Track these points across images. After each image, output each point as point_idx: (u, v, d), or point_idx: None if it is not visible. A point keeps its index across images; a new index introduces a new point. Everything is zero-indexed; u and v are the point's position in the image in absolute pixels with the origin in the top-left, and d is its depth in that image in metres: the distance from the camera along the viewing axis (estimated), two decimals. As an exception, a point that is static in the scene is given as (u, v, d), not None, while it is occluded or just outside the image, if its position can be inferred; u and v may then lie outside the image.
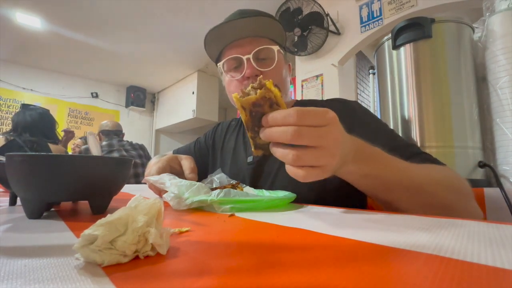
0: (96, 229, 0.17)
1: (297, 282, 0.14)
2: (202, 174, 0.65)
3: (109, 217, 0.18)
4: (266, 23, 0.60)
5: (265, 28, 0.60)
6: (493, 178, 0.89)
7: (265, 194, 0.45)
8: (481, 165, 0.97)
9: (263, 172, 0.62)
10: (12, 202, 0.46)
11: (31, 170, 0.31)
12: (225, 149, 0.75)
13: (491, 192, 0.71)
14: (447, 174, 0.45)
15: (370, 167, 0.38)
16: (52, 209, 0.41)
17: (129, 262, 0.18)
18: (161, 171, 0.53)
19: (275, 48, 0.60)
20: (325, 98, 2.28)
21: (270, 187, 0.59)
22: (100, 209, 0.36)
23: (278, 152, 0.31)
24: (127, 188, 0.83)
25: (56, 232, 0.26)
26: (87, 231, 0.17)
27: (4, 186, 0.47)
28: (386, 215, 0.34)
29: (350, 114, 0.57)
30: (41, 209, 0.33)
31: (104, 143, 1.91)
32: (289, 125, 0.29)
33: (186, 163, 0.55)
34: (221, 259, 0.18)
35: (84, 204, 0.45)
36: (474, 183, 0.94)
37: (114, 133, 2.00)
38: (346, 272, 0.15)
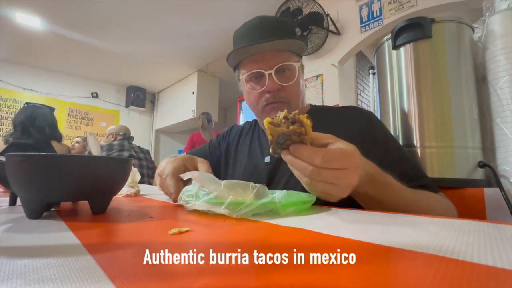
0: None
1: (297, 282, 0.14)
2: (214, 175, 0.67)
3: None
4: (294, 41, 0.61)
5: (286, 43, 0.61)
6: (493, 178, 0.89)
7: (281, 196, 0.37)
8: (481, 165, 0.97)
9: (279, 172, 0.64)
10: (12, 202, 0.46)
11: (31, 170, 0.31)
12: (239, 151, 0.76)
13: (491, 192, 0.71)
14: (439, 204, 0.51)
15: (379, 193, 0.43)
16: (52, 209, 0.41)
17: (131, 262, 0.18)
18: (176, 171, 0.53)
19: (296, 65, 0.62)
20: (325, 99, 2.28)
21: (284, 186, 0.60)
22: (100, 209, 0.36)
23: (297, 165, 0.34)
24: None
25: (56, 232, 0.26)
26: None
27: (4, 186, 0.47)
28: (386, 215, 0.34)
29: (366, 124, 0.60)
30: (41, 209, 0.33)
31: (115, 142, 2.08)
32: (311, 165, 0.33)
33: (203, 167, 0.56)
34: (221, 259, 0.18)
35: (84, 204, 0.45)
36: (474, 183, 0.94)
37: (128, 137, 2.21)
38: (346, 272, 0.15)
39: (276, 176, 0.64)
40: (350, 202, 0.52)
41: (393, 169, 0.48)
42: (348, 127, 0.59)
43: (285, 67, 0.61)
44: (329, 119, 0.65)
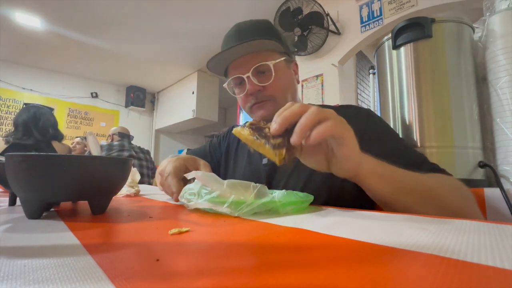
0: None
1: (297, 282, 0.14)
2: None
3: None
4: (262, 41, 0.62)
5: (262, 44, 0.62)
6: (493, 178, 0.89)
7: (280, 195, 0.37)
8: (481, 165, 0.97)
9: (277, 173, 0.64)
10: (12, 202, 0.46)
11: (30, 170, 0.31)
12: (239, 152, 0.76)
13: (491, 192, 0.70)
14: (454, 183, 0.48)
15: (385, 168, 0.42)
16: (52, 209, 0.41)
17: (130, 262, 0.18)
18: (177, 170, 0.53)
19: (271, 63, 0.62)
20: (325, 98, 2.29)
21: (284, 187, 0.60)
22: (100, 209, 0.36)
23: (321, 131, 0.34)
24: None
25: (56, 232, 0.26)
26: None
27: (4, 186, 0.47)
28: (386, 215, 0.34)
29: (365, 121, 0.59)
30: (40, 209, 0.33)
31: (116, 143, 2.11)
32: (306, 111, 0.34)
33: (205, 171, 0.56)
34: (221, 259, 0.18)
35: (84, 204, 0.45)
36: (474, 183, 0.94)
37: (127, 136, 2.24)
38: (346, 272, 0.15)
39: (274, 179, 0.64)
40: (351, 203, 0.52)
41: (399, 160, 0.46)
42: None
43: (262, 67, 0.62)
44: None
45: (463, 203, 0.45)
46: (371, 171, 0.41)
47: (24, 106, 1.80)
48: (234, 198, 0.35)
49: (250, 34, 0.63)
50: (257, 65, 0.61)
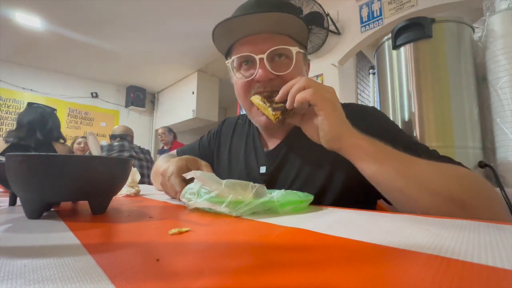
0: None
1: (297, 282, 0.14)
2: None
3: None
4: (285, 18, 0.51)
5: (284, 23, 0.52)
6: (493, 178, 0.89)
7: (279, 195, 0.37)
8: (482, 165, 0.97)
9: (277, 184, 0.60)
10: (12, 202, 0.46)
11: (30, 170, 0.31)
12: (233, 151, 0.71)
13: (491, 192, 0.70)
14: (461, 172, 0.42)
15: (374, 146, 0.41)
16: (52, 209, 0.41)
17: (130, 262, 0.18)
18: (179, 170, 0.51)
19: (294, 49, 0.52)
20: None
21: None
22: (100, 209, 0.36)
23: (300, 95, 0.41)
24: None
25: (56, 232, 0.26)
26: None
27: (4, 186, 0.47)
28: (386, 215, 0.34)
29: (368, 119, 0.54)
30: (41, 209, 0.33)
31: (116, 143, 2.12)
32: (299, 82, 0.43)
33: (206, 171, 0.54)
34: (221, 259, 0.18)
35: (84, 204, 0.45)
36: (474, 183, 0.94)
37: (125, 137, 2.24)
38: (346, 272, 0.15)
39: (275, 188, 0.61)
40: (350, 202, 0.52)
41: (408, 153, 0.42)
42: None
43: (281, 52, 0.52)
44: None
45: (463, 193, 0.38)
46: (355, 145, 0.41)
47: (28, 105, 1.79)
48: (232, 198, 0.35)
49: (273, 8, 0.53)
50: (276, 47, 0.50)
